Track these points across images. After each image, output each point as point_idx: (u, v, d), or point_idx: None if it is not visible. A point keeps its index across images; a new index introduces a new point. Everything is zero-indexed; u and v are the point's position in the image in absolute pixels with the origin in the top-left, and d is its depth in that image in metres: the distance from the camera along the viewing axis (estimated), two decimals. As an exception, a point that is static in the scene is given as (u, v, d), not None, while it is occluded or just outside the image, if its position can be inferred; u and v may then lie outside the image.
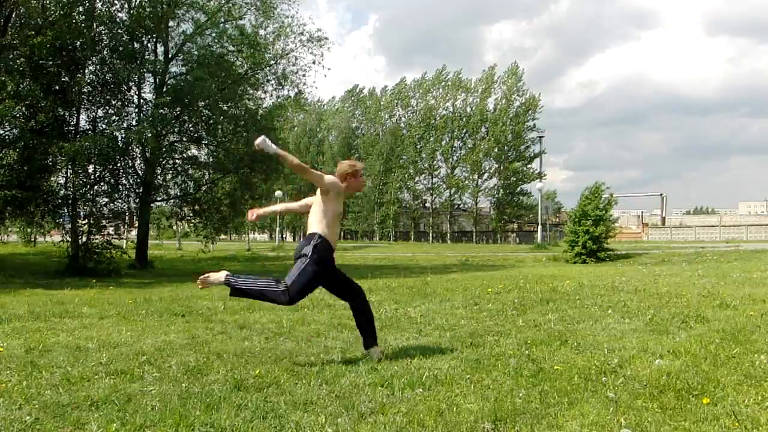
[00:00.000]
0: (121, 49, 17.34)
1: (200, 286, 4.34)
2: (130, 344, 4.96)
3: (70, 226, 16.79)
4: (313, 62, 20.20)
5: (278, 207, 5.89)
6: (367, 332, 4.43)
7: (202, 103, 18.48)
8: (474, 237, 54.12)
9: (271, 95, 20.91)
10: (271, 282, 4.19)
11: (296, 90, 20.68)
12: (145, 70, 18.25)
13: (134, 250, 19.37)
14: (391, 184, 55.97)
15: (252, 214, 4.73)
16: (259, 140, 4.14)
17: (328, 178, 4.28)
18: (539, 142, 48.80)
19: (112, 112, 17.63)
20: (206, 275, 4.29)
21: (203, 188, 20.70)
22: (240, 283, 4.18)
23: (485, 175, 53.97)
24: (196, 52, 19.39)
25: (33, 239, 32.41)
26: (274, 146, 4.16)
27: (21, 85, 14.42)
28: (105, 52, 17.28)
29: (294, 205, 4.86)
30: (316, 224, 4.25)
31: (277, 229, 48.53)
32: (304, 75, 20.37)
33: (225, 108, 19.50)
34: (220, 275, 4.23)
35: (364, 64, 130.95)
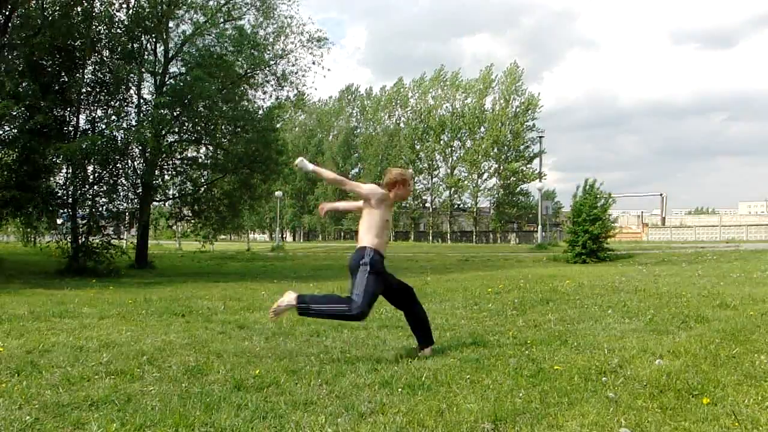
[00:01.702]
0: (120, 49, 17.34)
1: (272, 318, 4.41)
2: (130, 344, 4.96)
3: (69, 226, 16.77)
4: (313, 63, 20.31)
5: (341, 205, 5.70)
6: (422, 334, 4.54)
7: (202, 103, 18.46)
8: (474, 237, 54.16)
9: (271, 96, 20.91)
10: (341, 305, 4.23)
11: (296, 90, 20.75)
12: (144, 70, 18.25)
13: (134, 250, 19.37)
14: (390, 184, 55.88)
15: (322, 209, 4.84)
16: (297, 161, 4.48)
17: (366, 187, 4.35)
18: (539, 142, 48.81)
19: (112, 112, 17.58)
20: (276, 305, 4.28)
21: (202, 188, 20.69)
22: (312, 310, 4.27)
23: (485, 175, 54.01)
24: (195, 53, 19.36)
25: (33, 239, 32.35)
26: (310, 165, 4.45)
27: (20, 86, 14.40)
28: (104, 53, 17.27)
29: (353, 205, 4.80)
30: (364, 235, 4.30)
31: (277, 229, 48.46)
32: (303, 75, 20.48)
33: (224, 108, 19.50)
34: (290, 299, 4.23)
35: (358, 71, 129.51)
